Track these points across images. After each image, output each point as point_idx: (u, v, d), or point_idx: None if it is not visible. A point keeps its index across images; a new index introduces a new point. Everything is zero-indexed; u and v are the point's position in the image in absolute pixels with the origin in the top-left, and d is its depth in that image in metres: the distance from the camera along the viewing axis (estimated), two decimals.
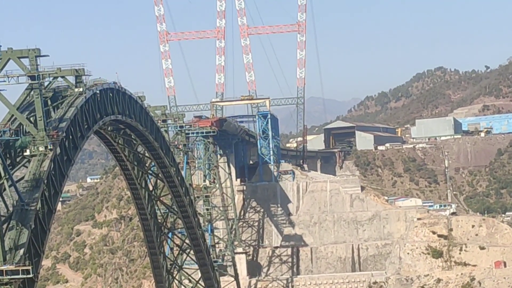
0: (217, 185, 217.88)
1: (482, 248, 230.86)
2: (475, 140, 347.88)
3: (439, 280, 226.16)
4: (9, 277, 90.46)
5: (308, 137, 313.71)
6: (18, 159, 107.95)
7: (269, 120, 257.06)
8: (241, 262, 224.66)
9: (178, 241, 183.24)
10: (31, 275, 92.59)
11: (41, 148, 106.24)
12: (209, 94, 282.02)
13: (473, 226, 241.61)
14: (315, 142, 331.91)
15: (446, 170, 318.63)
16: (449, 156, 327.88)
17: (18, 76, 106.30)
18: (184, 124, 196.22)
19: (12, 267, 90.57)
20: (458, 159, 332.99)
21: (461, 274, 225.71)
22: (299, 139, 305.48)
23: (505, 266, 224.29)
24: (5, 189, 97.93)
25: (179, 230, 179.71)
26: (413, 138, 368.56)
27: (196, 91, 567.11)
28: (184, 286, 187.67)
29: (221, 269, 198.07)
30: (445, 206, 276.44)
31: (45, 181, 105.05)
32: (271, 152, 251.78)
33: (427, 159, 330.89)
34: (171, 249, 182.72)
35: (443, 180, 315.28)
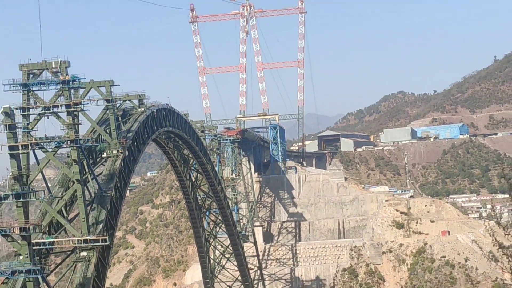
0: (241, 177, 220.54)
1: (432, 221, 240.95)
2: (426, 144, 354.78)
3: (401, 245, 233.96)
4: (92, 244, 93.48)
5: (306, 142, 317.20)
6: (98, 160, 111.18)
7: (278, 130, 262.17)
8: (258, 233, 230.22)
9: (213, 218, 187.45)
10: (107, 243, 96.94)
11: (114, 152, 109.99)
12: (234, 112, 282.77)
13: (425, 205, 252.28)
14: (311, 146, 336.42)
15: (406, 165, 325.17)
16: (408, 155, 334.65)
17: (97, 100, 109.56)
18: (216, 134, 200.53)
19: (94, 237, 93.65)
20: (414, 157, 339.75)
21: (417, 240, 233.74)
22: (300, 143, 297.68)
23: (449, 234, 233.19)
24: (89, 181, 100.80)
25: (213, 209, 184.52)
26: (382, 142, 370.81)
27: (225, 110, 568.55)
28: (217, 250, 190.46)
29: (244, 238, 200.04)
30: (405, 191, 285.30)
31: (117, 175, 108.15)
32: (279, 153, 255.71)
33: (392, 158, 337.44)
34: (208, 223, 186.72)
35: (404, 172, 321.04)
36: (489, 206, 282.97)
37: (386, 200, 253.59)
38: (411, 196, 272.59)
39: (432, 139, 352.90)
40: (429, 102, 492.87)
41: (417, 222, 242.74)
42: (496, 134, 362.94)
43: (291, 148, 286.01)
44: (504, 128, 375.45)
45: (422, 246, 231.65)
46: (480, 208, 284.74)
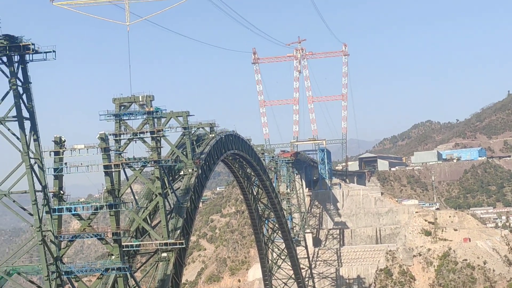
0: (294, 192, 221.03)
1: (455, 230, 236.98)
2: (450, 164, 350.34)
3: (429, 249, 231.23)
4: (171, 247, 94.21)
5: (348, 163, 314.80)
6: (176, 177, 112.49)
7: (325, 152, 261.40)
8: (309, 238, 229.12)
9: (271, 225, 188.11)
10: (184, 246, 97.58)
11: (190, 170, 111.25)
12: (289, 137, 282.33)
13: (449, 216, 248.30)
14: (353, 166, 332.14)
15: (433, 183, 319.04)
16: (434, 174, 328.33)
17: (176, 127, 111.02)
18: (274, 155, 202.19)
19: (173, 241, 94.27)
20: (440, 176, 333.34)
21: (443, 245, 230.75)
22: (343, 164, 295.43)
23: (469, 241, 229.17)
24: (169, 194, 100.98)
25: (271, 218, 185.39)
26: (412, 163, 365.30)
27: (281, 135, 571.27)
28: (275, 252, 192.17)
29: (297, 242, 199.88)
30: (432, 204, 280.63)
31: (192, 190, 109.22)
32: (326, 172, 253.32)
33: (421, 176, 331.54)
34: (267, 230, 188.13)
35: (431, 188, 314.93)
36: (504, 217, 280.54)
37: (416, 212, 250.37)
38: (437, 209, 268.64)
39: (455, 161, 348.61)
40: (453, 129, 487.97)
41: (442, 230, 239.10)
42: (509, 156, 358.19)
43: (336, 167, 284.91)
44: None
45: (447, 251, 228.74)
46: (496, 219, 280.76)
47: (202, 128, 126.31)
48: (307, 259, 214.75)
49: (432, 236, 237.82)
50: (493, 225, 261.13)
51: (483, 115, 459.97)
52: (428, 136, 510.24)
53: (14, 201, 75.00)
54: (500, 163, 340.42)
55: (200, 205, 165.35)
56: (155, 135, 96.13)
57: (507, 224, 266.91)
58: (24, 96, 74.65)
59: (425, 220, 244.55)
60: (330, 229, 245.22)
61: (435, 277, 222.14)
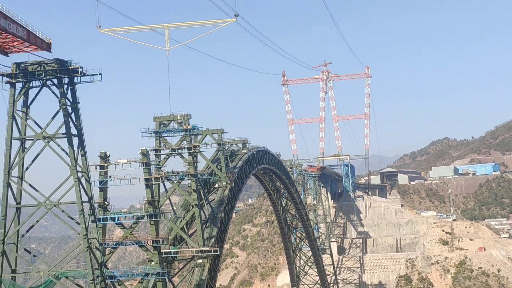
0: (320, 204, 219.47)
1: (471, 239, 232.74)
2: (466, 179, 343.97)
3: (446, 258, 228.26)
4: (206, 253, 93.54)
5: (371, 177, 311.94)
6: (211, 189, 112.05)
7: (349, 167, 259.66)
8: (334, 247, 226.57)
9: (298, 234, 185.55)
10: (218, 253, 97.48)
11: (224, 183, 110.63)
12: (315, 153, 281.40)
13: (465, 227, 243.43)
14: (375, 180, 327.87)
15: (450, 195, 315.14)
16: (451, 188, 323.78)
17: (211, 144, 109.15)
18: (302, 170, 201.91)
19: (207, 248, 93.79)
20: (456, 189, 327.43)
21: (459, 254, 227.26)
22: (366, 178, 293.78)
23: (484, 250, 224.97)
24: (204, 205, 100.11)
25: (299, 228, 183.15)
26: (430, 177, 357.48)
27: (308, 151, 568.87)
28: (302, 259, 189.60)
29: (322, 250, 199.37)
30: (449, 216, 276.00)
31: (226, 201, 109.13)
32: (350, 185, 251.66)
33: (438, 189, 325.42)
34: (295, 239, 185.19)
35: (448, 201, 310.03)
36: None
37: (434, 223, 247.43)
38: (454, 220, 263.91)
39: (470, 175, 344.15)
40: (468, 146, 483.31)
41: (459, 240, 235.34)
42: None
43: (359, 181, 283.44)
44: None
45: (463, 259, 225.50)
46: (510, 229, 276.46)
47: (235, 144, 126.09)
48: (332, 266, 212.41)
49: (449, 245, 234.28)
50: (506, 236, 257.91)
51: (497, 133, 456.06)
52: (445, 152, 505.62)
53: (62, 211, 76.00)
54: None
55: (233, 215, 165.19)
56: (192, 151, 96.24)
57: None
58: (72, 115, 75.58)
59: (443, 231, 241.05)
60: (354, 238, 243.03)
61: (452, 284, 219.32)
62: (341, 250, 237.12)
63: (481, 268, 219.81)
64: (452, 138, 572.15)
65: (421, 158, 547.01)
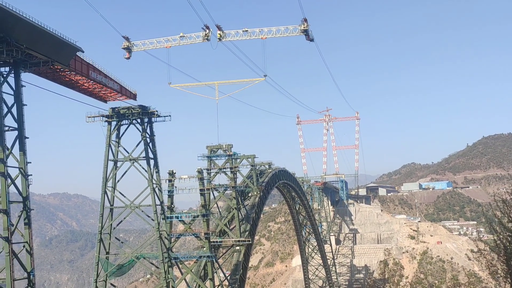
0: (323, 208, 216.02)
1: (431, 235, 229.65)
2: (427, 192, 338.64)
3: (413, 248, 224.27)
4: (242, 243, 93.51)
5: (359, 190, 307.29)
6: (246, 197, 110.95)
7: (344, 183, 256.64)
8: (332, 239, 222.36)
9: (308, 230, 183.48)
10: (250, 242, 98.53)
11: (255, 193, 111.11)
12: (320, 172, 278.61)
13: (427, 226, 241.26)
14: (362, 192, 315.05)
15: (416, 204, 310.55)
16: (417, 198, 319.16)
17: (246, 165, 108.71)
18: (310, 184, 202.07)
19: (243, 239, 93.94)
20: (421, 199, 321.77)
21: (423, 246, 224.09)
22: (355, 190, 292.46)
23: (441, 243, 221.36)
24: (241, 208, 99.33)
25: (308, 225, 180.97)
26: (402, 190, 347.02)
27: (315, 171, 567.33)
28: (309, 247, 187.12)
29: (324, 242, 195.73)
30: (415, 218, 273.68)
31: (256, 206, 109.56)
32: (344, 195, 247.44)
33: (408, 199, 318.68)
34: (305, 233, 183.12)
35: (415, 207, 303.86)
36: (464, 228, 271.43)
37: (405, 223, 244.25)
38: (419, 221, 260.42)
39: (431, 189, 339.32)
40: (429, 168, 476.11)
41: (422, 236, 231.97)
42: (468, 187, 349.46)
43: (351, 192, 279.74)
44: (473, 184, 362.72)
45: (426, 250, 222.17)
46: (459, 229, 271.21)
47: (263, 165, 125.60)
48: (331, 253, 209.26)
49: (416, 240, 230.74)
50: (457, 233, 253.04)
51: (450, 159, 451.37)
52: (412, 173, 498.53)
53: (142, 211, 76.22)
54: (462, 192, 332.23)
55: (261, 215, 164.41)
56: (233, 170, 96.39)
57: (467, 232, 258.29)
58: (150, 144, 76.38)
59: (411, 229, 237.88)
60: (347, 233, 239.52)
61: (417, 267, 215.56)
62: (338, 242, 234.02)
63: (438, 256, 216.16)
64: (417, 162, 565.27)
65: (395, 177, 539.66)
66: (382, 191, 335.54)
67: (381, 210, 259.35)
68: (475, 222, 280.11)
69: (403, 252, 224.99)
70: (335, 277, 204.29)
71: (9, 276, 43.97)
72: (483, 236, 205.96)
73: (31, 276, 46.81)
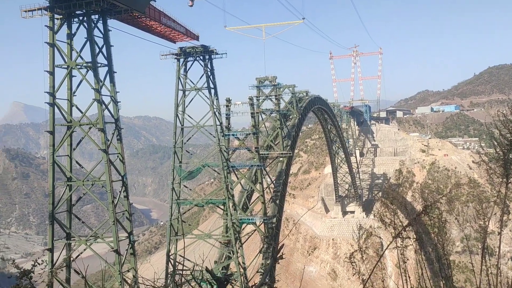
0: (350, 128, 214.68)
1: (439, 149, 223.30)
2: (438, 114, 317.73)
3: (424, 160, 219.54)
4: (284, 155, 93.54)
5: (380, 113, 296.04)
6: (287, 119, 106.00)
7: (368, 107, 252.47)
8: (357, 152, 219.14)
9: (337, 145, 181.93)
10: (291, 154, 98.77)
11: (295, 115, 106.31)
12: (348, 98, 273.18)
13: (436, 142, 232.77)
14: (382, 114, 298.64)
15: (427, 123, 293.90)
16: (428, 119, 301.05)
17: (288, 93, 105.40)
18: (340, 108, 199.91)
19: (285, 152, 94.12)
20: (432, 120, 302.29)
21: (432, 158, 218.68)
22: (377, 113, 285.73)
23: (447, 156, 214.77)
24: (283, 128, 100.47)
25: (337, 141, 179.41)
26: (416, 113, 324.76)
27: (344, 97, 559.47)
28: (338, 158, 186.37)
29: (350, 154, 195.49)
30: (426, 135, 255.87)
31: (296, 125, 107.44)
32: (368, 117, 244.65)
33: (421, 120, 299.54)
34: (335, 148, 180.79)
35: (426, 127, 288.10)
36: (468, 143, 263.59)
37: (417, 139, 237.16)
38: (429, 138, 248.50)
39: (441, 112, 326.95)
40: (440, 94, 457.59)
41: (432, 150, 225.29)
42: (473, 109, 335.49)
43: (373, 115, 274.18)
44: (478, 107, 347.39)
45: (434, 161, 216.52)
46: (463, 144, 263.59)
47: (302, 93, 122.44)
48: (356, 163, 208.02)
49: (426, 153, 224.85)
50: (461, 147, 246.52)
51: (459, 86, 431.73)
52: (426, 98, 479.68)
53: (206, 130, 76.39)
54: (467, 113, 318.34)
55: (300, 133, 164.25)
56: (277, 97, 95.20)
57: (470, 147, 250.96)
58: (211, 77, 76.23)
59: (422, 144, 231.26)
60: (369, 147, 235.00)
61: (426, 175, 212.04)
62: (361, 154, 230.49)
63: (444, 166, 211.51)
64: (430, 89, 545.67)
65: (411, 102, 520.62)
66: (399, 114, 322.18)
67: (398, 129, 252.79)
68: (477, 139, 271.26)
69: (415, 163, 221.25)
70: (359, 182, 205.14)
71: (108, 178, 47.02)
72: (483, 150, 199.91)
73: (124, 178, 49.50)
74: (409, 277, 12.68)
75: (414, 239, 12.32)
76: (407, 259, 12.52)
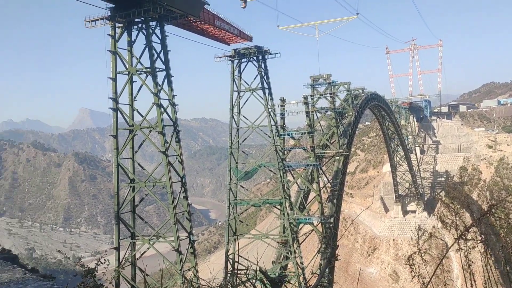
0: (409, 124, 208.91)
1: (508, 145, 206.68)
2: (505, 107, 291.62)
3: (491, 156, 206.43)
4: (341, 154, 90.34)
5: (442, 107, 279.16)
6: (343, 117, 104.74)
7: (428, 102, 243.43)
8: (417, 149, 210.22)
9: (396, 142, 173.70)
10: (348, 153, 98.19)
11: (351, 113, 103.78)
12: (406, 94, 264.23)
13: (504, 137, 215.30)
14: (444, 109, 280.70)
15: (494, 117, 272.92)
16: (495, 112, 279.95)
17: (343, 91, 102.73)
18: (398, 104, 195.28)
19: (342, 151, 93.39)
20: (499, 114, 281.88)
21: (499, 154, 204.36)
22: (438, 108, 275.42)
23: None
24: (339, 126, 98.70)
25: (396, 139, 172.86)
26: (482, 107, 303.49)
27: (402, 93, 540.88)
28: (397, 156, 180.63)
29: (410, 151, 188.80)
30: (493, 130, 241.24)
31: (352, 124, 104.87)
32: (428, 113, 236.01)
33: (487, 114, 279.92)
34: (393, 145, 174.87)
35: (493, 121, 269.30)
36: None
37: (483, 135, 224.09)
38: (497, 133, 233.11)
39: (508, 105, 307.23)
40: (507, 86, 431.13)
41: (499, 145, 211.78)
42: None
43: (434, 110, 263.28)
44: None
45: (502, 157, 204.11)
46: None
47: (357, 90, 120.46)
48: (416, 161, 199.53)
49: (493, 149, 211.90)
50: None
51: None
52: (491, 91, 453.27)
53: (261, 130, 76.32)
54: None
55: (356, 131, 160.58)
56: (332, 95, 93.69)
57: None
58: (265, 77, 76.38)
59: (489, 139, 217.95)
60: (430, 144, 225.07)
61: (494, 172, 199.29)
62: (422, 151, 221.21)
63: None
64: (496, 81, 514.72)
65: (475, 95, 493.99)
66: (462, 108, 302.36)
67: (461, 124, 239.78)
68: None
69: (481, 160, 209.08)
70: (420, 181, 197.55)
71: (168, 179, 48.05)
72: None
73: (183, 179, 50.45)
74: (475, 281, 11.76)
75: (479, 241, 11.51)
76: (473, 262, 11.76)
